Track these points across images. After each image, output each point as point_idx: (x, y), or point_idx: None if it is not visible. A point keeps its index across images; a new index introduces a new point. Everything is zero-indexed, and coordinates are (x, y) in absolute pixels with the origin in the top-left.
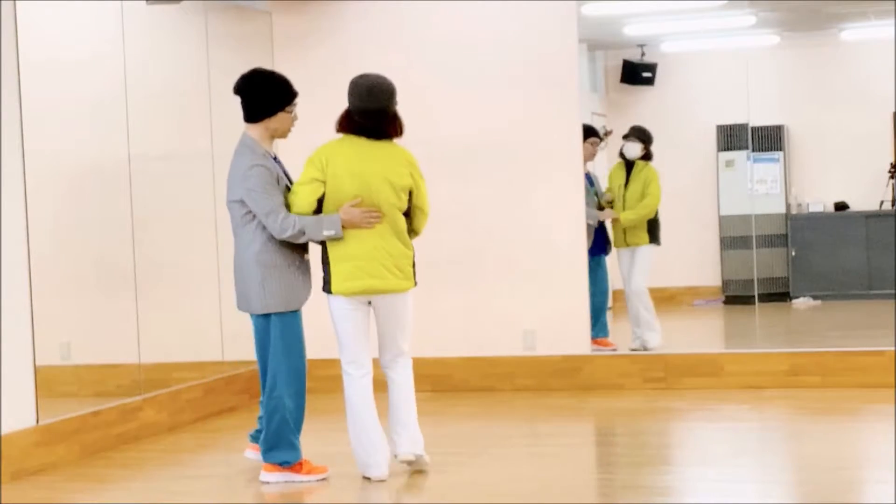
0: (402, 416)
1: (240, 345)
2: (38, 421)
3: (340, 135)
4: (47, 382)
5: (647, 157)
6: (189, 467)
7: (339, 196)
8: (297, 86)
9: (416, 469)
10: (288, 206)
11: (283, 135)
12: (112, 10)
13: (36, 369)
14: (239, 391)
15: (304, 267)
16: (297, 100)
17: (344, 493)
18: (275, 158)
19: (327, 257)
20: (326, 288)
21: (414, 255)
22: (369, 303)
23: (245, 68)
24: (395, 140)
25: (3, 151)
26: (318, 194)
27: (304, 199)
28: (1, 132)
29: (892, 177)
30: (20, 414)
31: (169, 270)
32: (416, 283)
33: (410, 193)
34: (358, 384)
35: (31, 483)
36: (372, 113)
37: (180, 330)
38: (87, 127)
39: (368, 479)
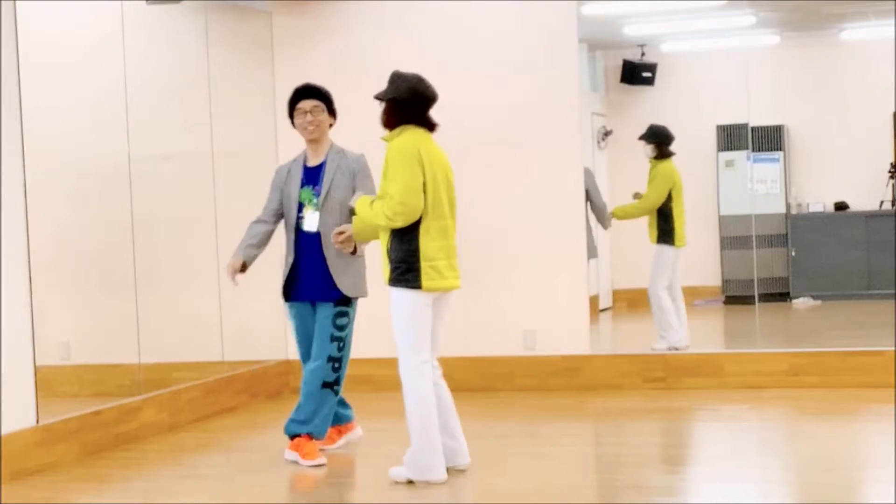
0: (454, 425)
1: (240, 345)
2: (38, 421)
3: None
4: (47, 382)
5: (661, 155)
6: (189, 467)
7: (436, 196)
8: (296, 86)
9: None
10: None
11: (304, 137)
12: (112, 9)
13: (36, 369)
14: (239, 391)
15: (293, 265)
16: (308, 103)
17: (344, 494)
18: (316, 166)
19: (417, 254)
20: (414, 284)
21: None
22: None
23: (245, 68)
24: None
25: (3, 151)
26: None
27: (420, 202)
28: (1, 132)
29: (892, 177)
30: (20, 414)
31: (169, 270)
32: None
33: None
34: (430, 382)
35: (31, 483)
36: (429, 101)
37: (180, 330)
38: (87, 127)
39: (427, 483)
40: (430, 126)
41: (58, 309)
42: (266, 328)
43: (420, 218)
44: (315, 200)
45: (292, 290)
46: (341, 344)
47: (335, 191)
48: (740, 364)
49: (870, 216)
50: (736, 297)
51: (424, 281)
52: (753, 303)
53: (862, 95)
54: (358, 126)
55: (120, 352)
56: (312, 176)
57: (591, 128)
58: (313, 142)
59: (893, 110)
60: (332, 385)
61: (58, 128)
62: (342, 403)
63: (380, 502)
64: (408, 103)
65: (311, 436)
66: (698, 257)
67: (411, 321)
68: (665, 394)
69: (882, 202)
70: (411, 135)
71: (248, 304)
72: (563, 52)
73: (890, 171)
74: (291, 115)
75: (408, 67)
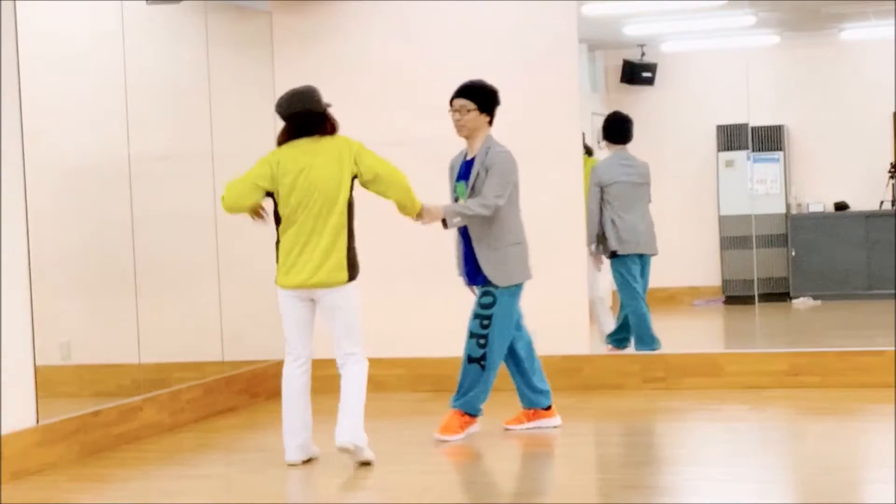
0: (345, 407)
1: (240, 345)
2: (38, 421)
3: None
4: (47, 382)
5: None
6: (189, 467)
7: (298, 194)
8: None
9: (358, 461)
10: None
11: (457, 133)
12: (112, 9)
13: (36, 369)
14: (239, 391)
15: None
16: (457, 102)
17: (343, 493)
18: (470, 159)
19: (277, 255)
20: (276, 280)
21: (353, 250)
22: (312, 300)
23: (245, 68)
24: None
25: (3, 151)
26: (261, 191)
27: (246, 184)
28: (1, 132)
29: (892, 177)
30: (20, 414)
31: (169, 270)
32: (354, 277)
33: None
34: (291, 371)
35: (31, 483)
36: (297, 116)
37: (180, 330)
38: (86, 127)
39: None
40: (311, 132)
41: (58, 309)
42: (266, 328)
43: (280, 222)
44: (466, 194)
45: (464, 274)
46: (486, 322)
47: (478, 186)
48: (740, 364)
49: (870, 216)
50: (736, 297)
51: (278, 277)
52: (753, 303)
53: (862, 95)
54: (358, 125)
55: (120, 352)
56: (467, 170)
57: (591, 128)
58: (465, 137)
59: (893, 110)
60: (478, 360)
61: (57, 128)
62: (534, 389)
63: (379, 502)
64: (286, 124)
65: (462, 412)
66: (698, 257)
67: (281, 314)
68: (665, 394)
69: (882, 202)
70: (278, 150)
71: (248, 304)
72: (563, 52)
73: (890, 171)
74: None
75: (408, 67)
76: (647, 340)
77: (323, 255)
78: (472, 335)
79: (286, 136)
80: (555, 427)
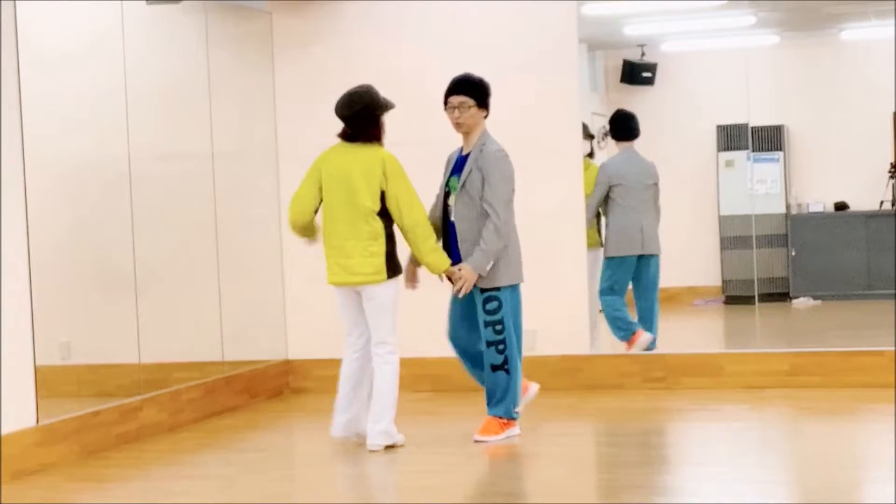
0: (376, 411)
1: (240, 345)
2: (38, 421)
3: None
4: (47, 382)
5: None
6: (189, 467)
7: (329, 196)
8: (296, 86)
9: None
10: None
11: (455, 130)
12: (112, 9)
13: (36, 369)
14: (239, 391)
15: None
16: (456, 99)
17: (344, 493)
18: (465, 154)
19: (325, 252)
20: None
21: (386, 251)
22: (358, 293)
23: (245, 68)
24: (379, 144)
25: (3, 151)
26: (316, 202)
27: (302, 204)
28: (1, 132)
29: (892, 177)
30: (20, 414)
31: (169, 270)
32: (387, 277)
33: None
34: (347, 359)
35: (31, 483)
36: (348, 119)
37: (180, 330)
38: (86, 127)
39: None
40: (352, 137)
41: (58, 309)
42: (266, 328)
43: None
44: (458, 188)
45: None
46: (498, 327)
47: (469, 184)
48: (740, 364)
49: (870, 216)
50: (736, 297)
51: (327, 276)
52: (753, 303)
53: (862, 95)
54: None
55: (120, 352)
56: (461, 165)
57: (591, 128)
58: (463, 134)
59: (893, 110)
60: (500, 367)
61: (57, 128)
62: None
63: (379, 501)
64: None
65: (498, 417)
66: (698, 257)
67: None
68: (665, 394)
69: (882, 202)
70: (328, 150)
71: (248, 304)
72: (563, 52)
73: (890, 171)
74: (446, 105)
75: (407, 67)
76: (622, 326)
77: (364, 258)
78: (489, 344)
79: (341, 136)
80: (536, 392)
